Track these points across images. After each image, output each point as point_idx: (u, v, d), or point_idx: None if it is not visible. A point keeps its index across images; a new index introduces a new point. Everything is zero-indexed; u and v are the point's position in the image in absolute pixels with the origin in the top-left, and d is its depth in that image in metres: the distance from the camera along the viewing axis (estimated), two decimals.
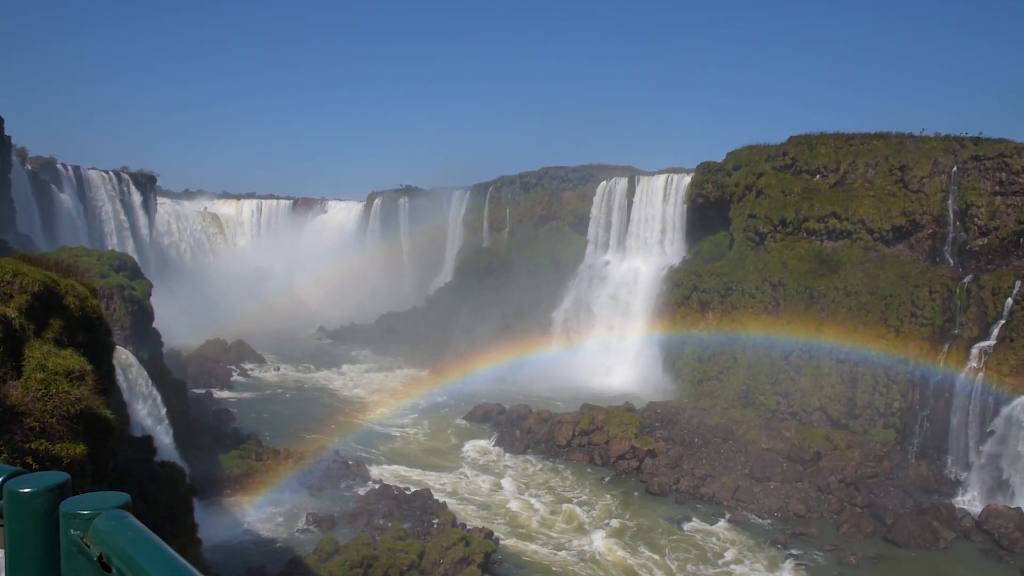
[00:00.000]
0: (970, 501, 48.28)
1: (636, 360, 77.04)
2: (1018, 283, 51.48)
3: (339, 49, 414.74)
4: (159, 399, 44.44)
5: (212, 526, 38.71)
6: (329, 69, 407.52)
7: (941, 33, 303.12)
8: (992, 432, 48.36)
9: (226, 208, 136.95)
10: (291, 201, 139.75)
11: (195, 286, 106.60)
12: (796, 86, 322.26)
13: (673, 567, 39.37)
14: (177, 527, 29.58)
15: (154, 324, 51.00)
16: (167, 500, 30.38)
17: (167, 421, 44.51)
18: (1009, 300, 51.27)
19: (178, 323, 76.76)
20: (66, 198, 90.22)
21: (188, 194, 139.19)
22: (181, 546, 28.52)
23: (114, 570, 2.65)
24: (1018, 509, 44.64)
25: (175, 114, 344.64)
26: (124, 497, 3.01)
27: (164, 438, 42.27)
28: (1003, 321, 51.17)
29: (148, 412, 42.81)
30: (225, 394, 71.56)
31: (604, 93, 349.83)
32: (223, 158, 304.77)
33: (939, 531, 43.56)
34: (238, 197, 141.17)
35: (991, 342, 51.12)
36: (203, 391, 68.68)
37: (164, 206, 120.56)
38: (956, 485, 50.13)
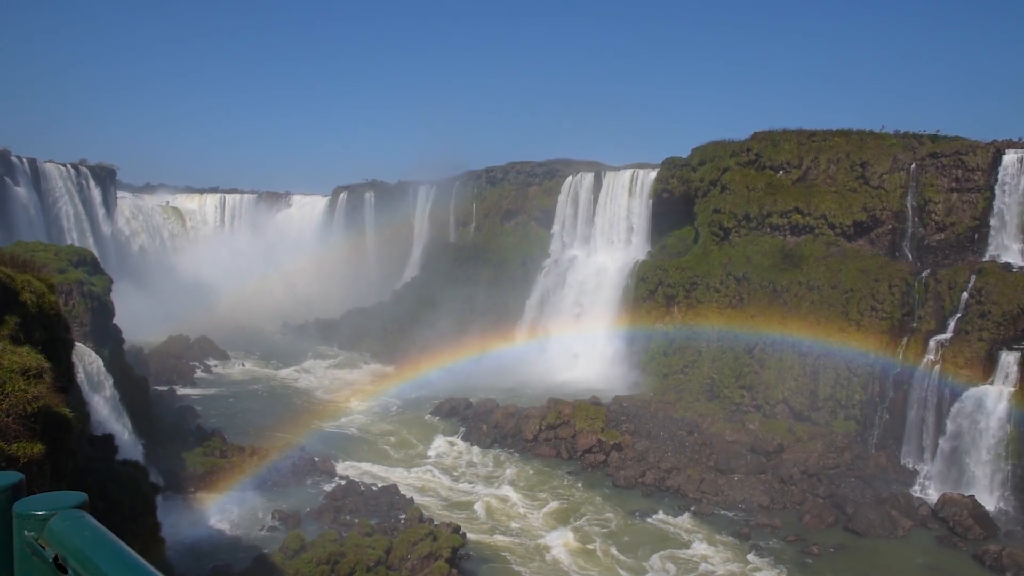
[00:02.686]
0: (927, 490, 49.42)
1: (602, 354, 77.46)
2: (973, 277, 52.68)
3: (304, 42, 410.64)
4: (120, 397, 43.71)
5: (176, 525, 38.22)
6: (294, 62, 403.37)
7: (900, 33, 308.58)
8: (947, 423, 49.50)
9: (189, 202, 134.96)
10: (255, 195, 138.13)
11: (157, 281, 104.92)
12: (760, 83, 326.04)
13: (639, 559, 39.72)
14: (139, 526, 29.14)
15: (115, 320, 50.10)
16: (129, 499, 29.90)
17: (129, 419, 43.79)
18: (964, 294, 52.46)
19: (140, 319, 75.46)
20: (21, 191, 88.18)
21: (149, 188, 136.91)
22: (144, 546, 28.11)
23: (70, 572, 2.60)
24: (972, 497, 45.79)
25: (136, 106, 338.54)
26: (81, 496, 2.96)
27: (126, 436, 41.58)
28: (959, 314, 52.34)
29: (109, 410, 42.08)
30: (188, 391, 70.60)
31: (570, 88, 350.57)
32: (185, 151, 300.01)
33: (897, 520, 44.52)
34: (201, 191, 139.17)
35: (947, 335, 52.27)
36: (166, 388, 67.72)
37: (125, 200, 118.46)
38: (914, 475, 51.26)
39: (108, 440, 34.92)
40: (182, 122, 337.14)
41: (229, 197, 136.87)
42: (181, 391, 69.23)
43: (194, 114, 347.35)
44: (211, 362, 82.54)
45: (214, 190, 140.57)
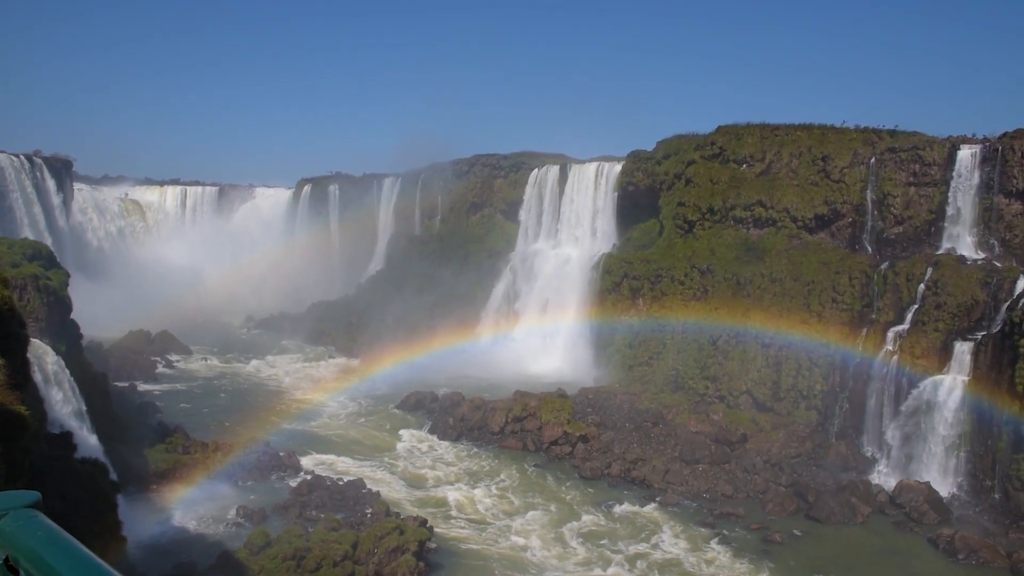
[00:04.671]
0: (885, 477, 50.50)
1: (568, 347, 77.82)
2: (930, 269, 53.81)
3: (266, 33, 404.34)
4: (78, 393, 42.87)
5: (137, 523, 37.63)
6: (256, 52, 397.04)
7: (860, 29, 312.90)
8: (904, 412, 50.61)
9: (148, 194, 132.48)
10: (217, 188, 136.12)
11: (116, 276, 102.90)
12: (725, 76, 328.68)
13: (605, 550, 40.05)
14: (99, 525, 28.67)
15: (72, 315, 49.09)
16: (88, 498, 29.40)
17: (87, 416, 42.96)
18: (921, 286, 53.57)
19: (98, 314, 73.91)
20: None
21: (108, 180, 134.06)
22: (104, 545, 27.69)
23: (22, 572, 2.55)
24: (927, 484, 46.94)
25: (93, 96, 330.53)
26: (34, 496, 2.90)
27: (84, 434, 40.78)
28: (916, 306, 53.45)
29: (67, 407, 41.25)
30: (150, 387, 69.50)
31: (535, 80, 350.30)
32: (145, 143, 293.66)
33: (857, 507, 45.49)
34: (161, 183, 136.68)
35: (905, 326, 53.36)
36: (126, 384, 66.59)
37: (82, 192, 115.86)
38: (872, 462, 52.36)
39: (66, 438, 34.29)
40: (141, 113, 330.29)
41: (191, 189, 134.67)
42: (142, 387, 68.14)
43: (153, 105, 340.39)
44: (173, 357, 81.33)
45: (175, 182, 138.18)
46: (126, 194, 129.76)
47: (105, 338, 73.92)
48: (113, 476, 36.78)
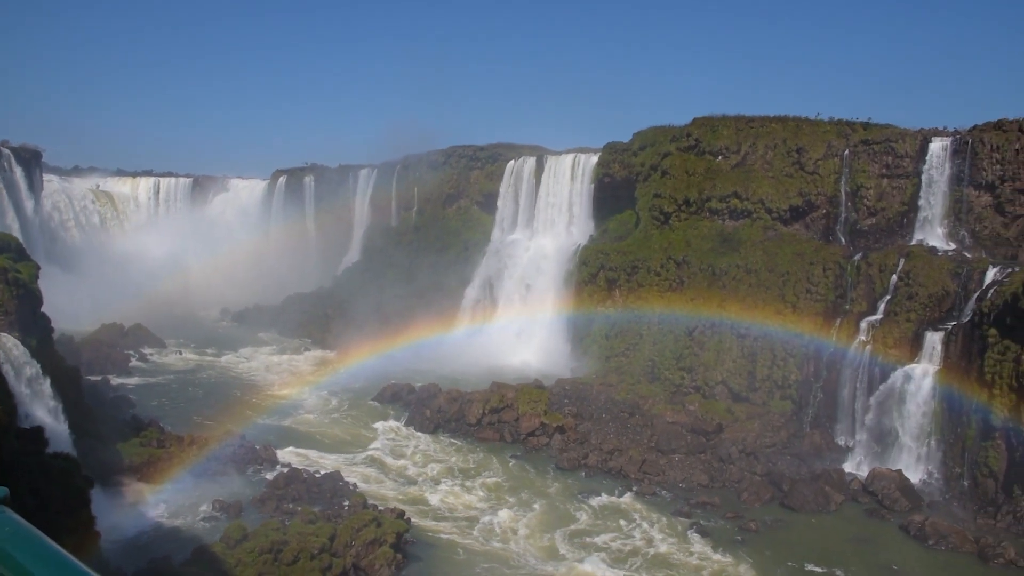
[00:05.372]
0: (858, 465, 51.23)
1: (545, 338, 77.96)
2: (902, 261, 54.51)
3: (239, 22, 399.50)
4: (50, 387, 42.26)
5: (111, 518, 37.22)
6: (230, 41, 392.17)
7: (834, 20, 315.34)
8: (877, 401, 51.32)
9: (120, 186, 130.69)
10: (191, 179, 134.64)
11: (88, 268, 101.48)
12: (701, 68, 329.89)
13: (582, 540, 40.28)
14: (73, 521, 28.36)
15: (43, 309, 48.30)
16: (61, 493, 29.06)
17: (59, 410, 42.38)
18: (894, 277, 54.27)
19: (70, 307, 72.99)
20: None
21: (78, 171, 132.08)
22: (77, 541, 27.40)
23: None
24: (899, 471, 47.70)
25: (62, 86, 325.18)
26: (1, 491, 2.86)
27: (56, 428, 40.21)
28: (888, 296, 54.15)
29: (38, 402, 40.68)
30: (123, 380, 68.71)
31: (512, 72, 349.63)
32: (116, 134, 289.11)
33: (830, 495, 46.13)
34: (133, 174, 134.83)
35: (878, 316, 54.05)
36: (99, 378, 65.74)
37: (51, 183, 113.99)
38: (846, 451, 53.06)
39: (37, 433, 33.82)
40: (113, 104, 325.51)
41: (164, 181, 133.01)
42: (115, 381, 67.35)
43: (125, 96, 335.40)
44: (147, 350, 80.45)
45: (147, 173, 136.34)
46: (97, 185, 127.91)
47: (77, 331, 72.93)
48: (86, 471, 36.33)
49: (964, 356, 48.05)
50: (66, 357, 54.30)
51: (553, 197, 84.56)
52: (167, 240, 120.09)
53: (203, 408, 60.92)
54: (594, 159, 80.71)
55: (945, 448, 48.20)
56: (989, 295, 47.52)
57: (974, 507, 44.72)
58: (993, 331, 45.63)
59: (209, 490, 44.28)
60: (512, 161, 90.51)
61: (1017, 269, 47.79)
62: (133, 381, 69.34)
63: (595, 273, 73.34)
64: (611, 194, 78.43)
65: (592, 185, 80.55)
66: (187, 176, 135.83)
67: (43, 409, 40.66)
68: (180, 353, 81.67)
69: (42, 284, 48.74)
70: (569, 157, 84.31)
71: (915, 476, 48.20)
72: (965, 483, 46.46)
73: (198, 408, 60.99)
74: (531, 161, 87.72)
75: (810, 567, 38.09)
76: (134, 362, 75.77)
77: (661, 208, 70.31)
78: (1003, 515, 42.87)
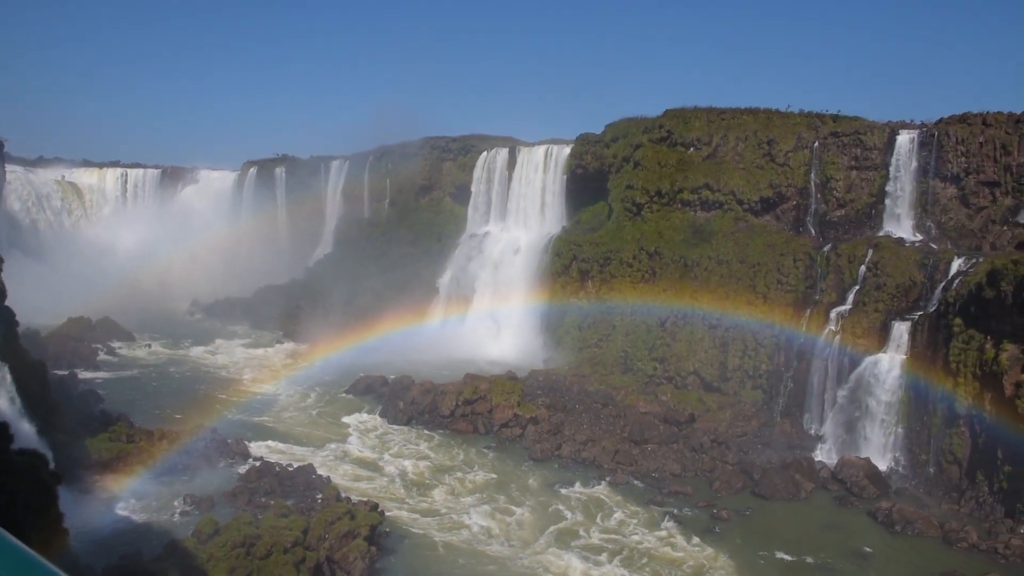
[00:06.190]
0: (827, 453, 51.97)
1: (518, 329, 78.07)
2: (870, 252, 55.27)
3: (210, 11, 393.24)
4: (15, 382, 41.50)
5: (80, 515, 36.70)
6: (200, 31, 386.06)
7: (805, 13, 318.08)
8: (846, 390, 52.07)
9: (87, 177, 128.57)
10: (159, 170, 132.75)
11: (54, 261, 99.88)
12: (673, 60, 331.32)
13: (557, 531, 40.46)
14: (40, 518, 27.92)
15: (7, 302, 47.41)
16: (27, 490, 28.54)
17: (24, 406, 41.66)
18: (863, 267, 55.03)
19: (35, 300, 71.55)
20: None
21: (43, 161, 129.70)
22: (45, 539, 26.99)
23: None
24: (867, 459, 48.50)
25: (25, 74, 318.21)
26: None
27: (22, 424, 39.53)
28: (857, 287, 54.91)
29: (2, 397, 39.97)
30: (91, 374, 67.72)
31: (484, 62, 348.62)
32: (83, 124, 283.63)
33: (800, 483, 46.77)
34: (100, 165, 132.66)
35: (847, 306, 54.79)
36: (66, 372, 64.70)
37: (15, 174, 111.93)
38: (816, 440, 53.80)
39: (1, 429, 33.20)
40: (78, 93, 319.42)
41: (131, 172, 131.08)
42: (83, 375, 66.34)
43: (90, 85, 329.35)
44: (115, 344, 79.31)
45: (115, 164, 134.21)
46: (63, 176, 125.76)
47: (43, 325, 71.65)
48: (53, 467, 35.75)
49: (930, 345, 48.90)
50: (32, 351, 53.37)
51: (526, 189, 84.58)
52: (135, 232, 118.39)
53: (173, 402, 60.23)
54: (567, 151, 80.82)
55: (911, 436, 49.07)
56: (954, 285, 48.39)
57: (939, 493, 45.62)
58: (958, 321, 46.47)
59: (180, 485, 43.85)
60: (485, 152, 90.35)
61: (981, 260, 48.67)
62: (101, 375, 68.36)
63: (568, 264, 73.51)
64: (584, 185, 78.60)
65: (565, 176, 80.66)
66: (156, 167, 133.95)
67: (7, 404, 39.97)
68: (149, 347, 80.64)
69: (6, 277, 47.79)
70: (542, 148, 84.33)
71: (883, 463, 49.04)
72: (931, 469, 47.36)
73: (168, 402, 60.28)
74: (504, 152, 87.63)
75: (780, 554, 38.63)
76: (102, 356, 74.70)
77: (633, 199, 70.60)
78: (966, 500, 43.80)
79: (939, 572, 36.86)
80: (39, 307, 72.94)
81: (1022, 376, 41.79)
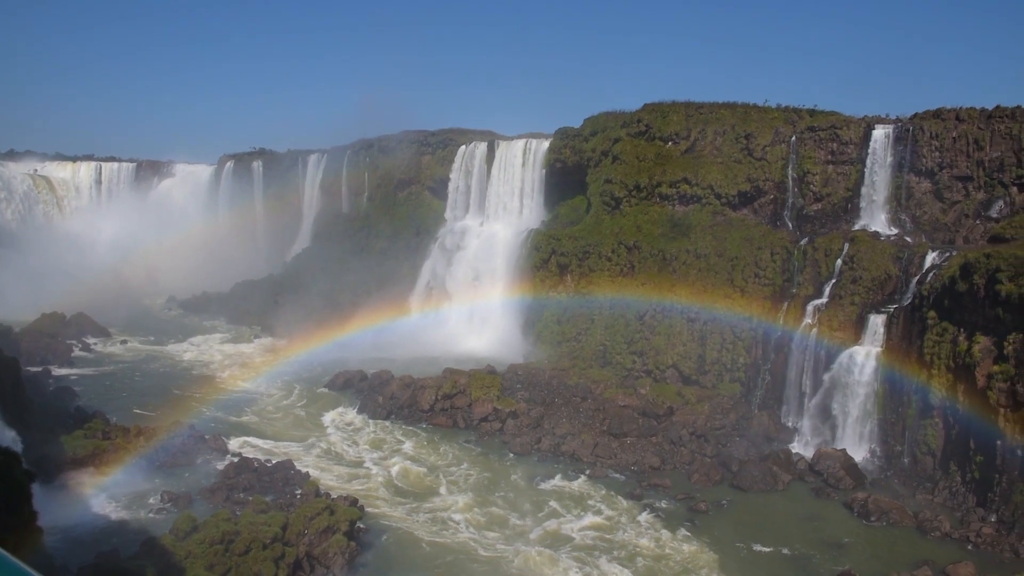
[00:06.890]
0: (804, 446, 52.49)
1: (497, 323, 78.06)
2: (846, 245, 55.80)
3: (183, 3, 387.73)
4: None
5: (55, 512, 36.28)
6: (174, 22, 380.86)
7: (782, 10, 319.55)
8: (823, 382, 52.61)
9: (60, 171, 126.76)
10: (134, 164, 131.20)
11: (26, 256, 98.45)
12: (652, 53, 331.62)
13: (537, 524, 40.57)
14: (13, 517, 27.55)
15: None
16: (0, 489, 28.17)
17: None
18: (839, 261, 55.55)
19: (7, 296, 70.86)
20: None
21: (13, 155, 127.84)
22: (18, 538, 26.66)
23: None
24: (843, 451, 49.06)
25: None
26: None
27: None
28: (834, 280, 55.43)
29: None
30: (65, 371, 66.95)
31: (462, 56, 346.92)
32: (55, 116, 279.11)
33: (778, 475, 47.24)
34: (74, 159, 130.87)
35: (824, 300, 55.31)
36: (40, 369, 64.01)
37: None
38: (793, 432, 54.32)
39: None
40: (49, 86, 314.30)
41: (105, 165, 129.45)
42: (57, 372, 65.59)
43: (61, 77, 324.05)
44: (90, 340, 78.40)
45: (89, 158, 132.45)
46: (35, 170, 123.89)
47: (16, 321, 70.82)
48: (27, 465, 35.31)
49: (905, 338, 49.51)
50: (4, 347, 52.69)
51: (505, 183, 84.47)
52: (110, 227, 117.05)
53: (150, 399, 59.68)
54: (545, 144, 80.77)
55: (887, 427, 49.69)
56: (928, 279, 48.97)
57: (914, 483, 46.25)
58: (932, 313, 47.07)
59: (157, 482, 43.52)
60: (463, 146, 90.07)
61: (954, 253, 49.30)
62: (76, 372, 67.58)
63: (547, 258, 73.57)
64: (562, 179, 78.64)
65: (543, 170, 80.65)
66: (130, 161, 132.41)
67: None
68: (125, 342, 79.80)
69: None
70: (520, 142, 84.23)
71: (859, 455, 49.61)
72: (905, 460, 48.00)
73: (145, 399, 59.72)
74: (482, 146, 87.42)
75: (758, 546, 39.00)
76: (77, 352, 73.85)
77: (612, 193, 70.75)
78: (940, 490, 44.46)
79: (913, 561, 37.38)
80: (11, 303, 72.05)
81: (994, 368, 42.40)
